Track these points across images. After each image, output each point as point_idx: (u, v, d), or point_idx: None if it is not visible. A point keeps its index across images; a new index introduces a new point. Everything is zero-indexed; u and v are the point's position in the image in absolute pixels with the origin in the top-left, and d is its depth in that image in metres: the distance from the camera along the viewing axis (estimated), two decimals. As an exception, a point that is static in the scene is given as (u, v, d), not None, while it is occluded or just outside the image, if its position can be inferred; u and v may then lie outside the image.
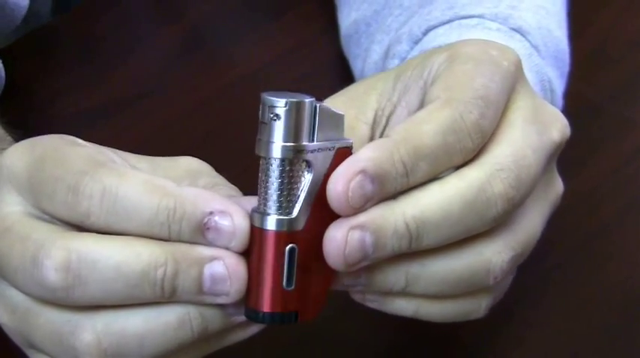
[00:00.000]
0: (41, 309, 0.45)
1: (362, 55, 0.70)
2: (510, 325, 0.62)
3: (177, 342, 0.44)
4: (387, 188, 0.44)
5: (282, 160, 0.43)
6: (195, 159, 0.48)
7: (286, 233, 0.44)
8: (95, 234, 0.44)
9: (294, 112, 0.43)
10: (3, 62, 0.70)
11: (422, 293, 0.47)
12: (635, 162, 0.73)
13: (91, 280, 0.43)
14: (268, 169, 0.44)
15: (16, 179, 0.45)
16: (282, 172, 0.44)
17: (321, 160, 0.44)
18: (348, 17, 0.73)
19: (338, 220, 0.44)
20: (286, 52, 0.77)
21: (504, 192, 0.45)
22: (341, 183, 0.43)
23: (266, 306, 0.44)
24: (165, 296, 0.43)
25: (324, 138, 0.44)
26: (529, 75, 0.55)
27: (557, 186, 0.50)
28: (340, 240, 0.44)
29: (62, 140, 0.46)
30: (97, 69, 0.76)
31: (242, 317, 0.45)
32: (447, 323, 0.49)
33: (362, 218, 0.44)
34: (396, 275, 0.46)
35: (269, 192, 0.44)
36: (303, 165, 0.44)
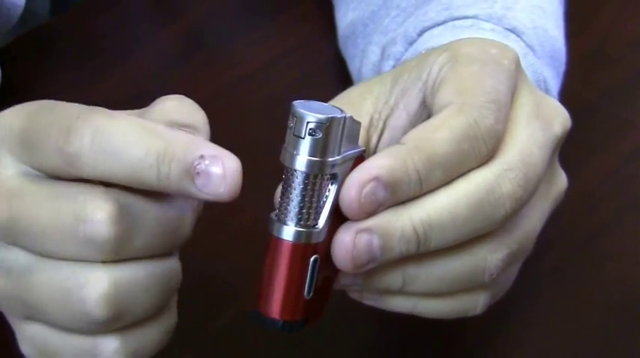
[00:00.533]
0: (43, 265, 0.44)
1: (359, 55, 0.70)
2: (510, 325, 0.62)
3: (173, 291, 0.45)
4: (398, 195, 0.44)
5: (309, 175, 0.43)
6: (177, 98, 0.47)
7: (311, 245, 0.44)
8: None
9: (331, 129, 0.43)
10: (1, 62, 0.70)
11: (418, 292, 0.47)
12: (634, 163, 0.73)
13: (138, 233, 0.43)
14: (293, 181, 0.44)
15: (9, 136, 0.45)
16: (312, 185, 0.43)
17: (343, 171, 0.44)
18: (345, 17, 0.73)
19: (346, 224, 0.44)
20: (285, 52, 0.77)
21: (513, 192, 0.45)
22: (354, 190, 0.44)
23: (287, 315, 0.45)
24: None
25: (345, 149, 0.44)
26: None
27: (560, 181, 0.50)
28: (348, 243, 0.44)
29: (56, 101, 0.46)
30: (95, 69, 0.76)
31: None
32: (445, 319, 0.49)
33: (370, 222, 0.44)
34: (393, 277, 0.46)
35: (295, 204, 0.44)
36: (332, 180, 0.44)
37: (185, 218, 0.45)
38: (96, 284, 0.43)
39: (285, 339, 0.61)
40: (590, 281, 0.65)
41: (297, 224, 0.44)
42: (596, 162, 0.72)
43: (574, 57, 0.67)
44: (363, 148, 0.45)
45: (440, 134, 0.44)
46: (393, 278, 0.46)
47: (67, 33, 0.78)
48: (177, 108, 0.45)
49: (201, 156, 0.42)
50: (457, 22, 0.62)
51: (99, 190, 0.43)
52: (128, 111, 0.45)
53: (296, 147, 0.43)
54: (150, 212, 0.44)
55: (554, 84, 0.64)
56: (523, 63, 0.58)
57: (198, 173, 0.42)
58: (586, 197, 0.69)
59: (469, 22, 0.62)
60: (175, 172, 0.42)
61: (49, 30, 0.79)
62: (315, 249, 0.44)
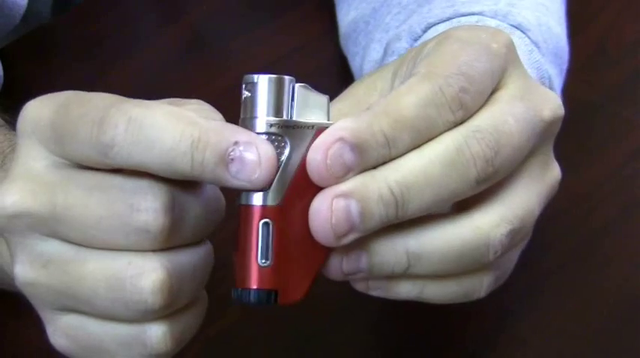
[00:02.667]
0: (91, 255, 0.44)
1: (360, 53, 0.71)
2: (511, 325, 0.62)
3: (209, 274, 0.46)
4: (367, 158, 0.44)
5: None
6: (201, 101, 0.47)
7: (259, 207, 0.44)
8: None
9: (267, 87, 0.44)
10: (2, 62, 0.70)
11: (424, 272, 0.46)
12: (635, 163, 0.73)
13: (187, 221, 0.44)
14: None
15: (39, 127, 0.44)
16: None
17: (299, 138, 0.44)
18: (347, 16, 0.73)
19: (321, 192, 0.44)
20: (287, 52, 0.77)
21: (482, 152, 0.44)
22: (320, 152, 0.44)
23: (241, 283, 0.44)
24: None
25: (304, 119, 0.45)
26: (529, 71, 0.55)
27: (555, 170, 0.50)
28: (325, 211, 0.44)
29: (83, 91, 0.46)
30: (96, 69, 0.76)
31: None
32: (450, 304, 0.48)
33: (344, 186, 0.44)
34: (396, 256, 0.46)
35: None
36: (278, 140, 0.44)
37: (221, 204, 0.46)
38: (152, 273, 0.43)
39: (284, 340, 0.61)
40: (591, 281, 0.65)
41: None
42: (596, 163, 0.72)
43: (575, 57, 0.67)
44: (332, 122, 0.45)
45: (406, 98, 0.44)
46: (397, 258, 0.46)
47: (68, 33, 0.79)
48: (197, 111, 0.45)
49: (236, 143, 0.43)
50: (462, 19, 0.62)
51: (149, 180, 0.43)
52: (153, 101, 0.46)
53: (241, 111, 0.44)
54: (195, 200, 0.44)
55: (558, 81, 0.64)
56: (528, 60, 0.58)
57: (232, 159, 0.43)
58: (586, 197, 0.69)
59: (475, 18, 0.62)
60: (209, 159, 0.43)
61: (51, 30, 0.79)
62: (266, 212, 0.44)
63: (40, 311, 0.47)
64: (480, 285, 0.48)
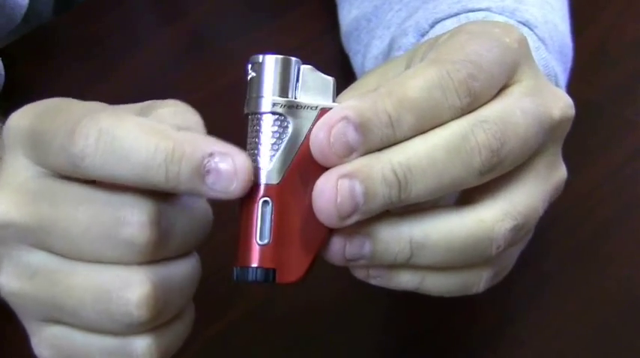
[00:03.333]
0: (78, 268, 0.44)
1: (362, 51, 0.71)
2: (511, 326, 0.62)
3: (196, 287, 0.46)
4: (370, 138, 0.44)
5: (256, 113, 0.44)
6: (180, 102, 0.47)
7: (259, 185, 0.44)
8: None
9: (273, 67, 0.45)
10: (4, 61, 0.70)
11: (426, 263, 0.46)
12: (635, 163, 0.73)
13: (173, 234, 0.44)
14: (248, 124, 0.45)
15: (21, 136, 0.44)
16: (255, 125, 0.44)
17: (302, 118, 0.45)
18: (348, 14, 0.73)
19: (326, 172, 0.44)
20: (287, 51, 0.76)
21: (488, 142, 0.44)
22: (323, 130, 0.44)
23: (241, 261, 0.44)
24: None
25: (308, 100, 0.45)
26: None
27: (561, 170, 0.50)
28: (330, 191, 0.43)
29: (65, 99, 0.46)
30: (97, 69, 0.76)
31: None
32: (448, 296, 0.48)
33: (349, 166, 0.44)
34: (400, 244, 0.46)
35: (246, 145, 0.44)
36: (281, 119, 0.45)
37: (209, 216, 0.46)
38: (138, 286, 0.43)
39: (285, 340, 0.61)
40: (591, 282, 0.65)
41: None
42: (597, 163, 0.72)
43: (576, 57, 0.67)
44: (337, 104, 0.45)
45: (412, 81, 0.44)
46: (401, 246, 0.46)
47: (69, 33, 0.79)
48: (172, 114, 0.44)
49: (211, 154, 0.43)
50: (470, 15, 0.62)
51: (136, 193, 0.43)
52: (129, 105, 0.45)
53: (246, 91, 0.45)
54: (182, 213, 0.44)
55: (563, 79, 0.64)
56: (535, 57, 0.58)
57: (208, 171, 0.43)
58: (587, 197, 0.69)
59: (482, 14, 0.62)
60: (185, 171, 0.42)
61: (52, 30, 0.79)
62: (266, 190, 0.44)
63: (24, 322, 0.47)
64: (479, 279, 0.48)
